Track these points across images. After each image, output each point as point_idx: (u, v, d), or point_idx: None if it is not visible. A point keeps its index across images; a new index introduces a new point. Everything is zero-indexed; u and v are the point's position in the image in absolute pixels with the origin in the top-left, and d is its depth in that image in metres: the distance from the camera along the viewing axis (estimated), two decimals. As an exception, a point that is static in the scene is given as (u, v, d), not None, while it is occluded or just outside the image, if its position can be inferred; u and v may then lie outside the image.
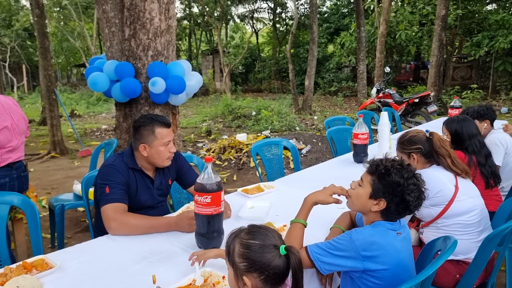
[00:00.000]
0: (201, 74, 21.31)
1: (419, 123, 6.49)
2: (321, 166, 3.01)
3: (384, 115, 3.09)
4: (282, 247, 1.02)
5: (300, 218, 1.43)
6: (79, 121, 11.68)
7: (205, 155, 6.23)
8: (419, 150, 1.89)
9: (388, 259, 1.23)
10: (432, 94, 6.89)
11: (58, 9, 17.29)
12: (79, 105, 14.92)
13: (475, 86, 11.64)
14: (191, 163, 2.81)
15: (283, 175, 3.09)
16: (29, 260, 1.40)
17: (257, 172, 5.05)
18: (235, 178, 5.14)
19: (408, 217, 2.05)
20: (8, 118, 2.25)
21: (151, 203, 1.94)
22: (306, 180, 2.49)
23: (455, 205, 1.77)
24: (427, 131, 1.94)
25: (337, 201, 1.48)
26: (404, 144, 1.94)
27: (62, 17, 18.22)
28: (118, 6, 3.40)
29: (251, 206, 1.98)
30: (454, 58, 15.38)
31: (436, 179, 1.80)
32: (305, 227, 1.43)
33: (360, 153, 2.86)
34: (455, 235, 1.78)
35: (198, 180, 1.46)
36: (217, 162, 5.85)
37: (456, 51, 15.83)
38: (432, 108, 6.55)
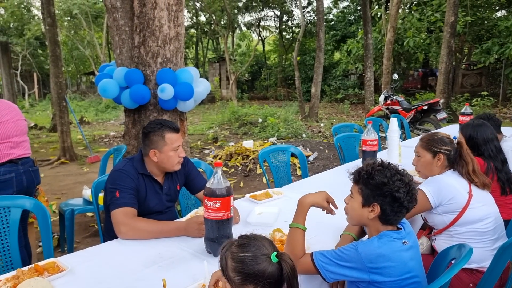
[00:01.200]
0: (208, 81, 21.37)
1: (428, 131, 6.43)
2: (329, 173, 3.00)
3: (394, 122, 3.08)
4: (273, 255, 1.00)
5: (299, 223, 1.41)
6: (88, 127, 11.81)
7: (211, 161, 6.24)
8: (448, 152, 1.86)
9: (395, 270, 1.22)
10: (441, 101, 6.84)
11: (68, 18, 17.62)
12: (88, 112, 15.11)
13: (485, 93, 11.53)
14: (199, 169, 2.82)
15: (291, 181, 3.08)
16: (41, 263, 1.41)
17: (264, 178, 5.05)
18: (241, 185, 5.14)
19: (418, 225, 2.03)
20: (7, 114, 2.34)
21: (159, 208, 1.95)
22: (315, 187, 2.46)
23: (468, 213, 1.74)
24: (454, 137, 1.92)
25: (330, 211, 1.49)
26: (435, 142, 1.89)
27: (72, 26, 18.55)
28: (128, 14, 3.46)
29: (259, 212, 1.98)
30: (464, 65, 15.29)
31: (449, 186, 1.77)
32: (304, 231, 1.42)
33: (369, 160, 2.84)
34: (469, 243, 1.74)
35: (208, 185, 1.47)
36: (224, 168, 5.86)
37: (466, 58, 15.74)
38: (442, 115, 6.49)
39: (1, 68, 7.17)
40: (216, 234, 1.48)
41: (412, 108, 6.83)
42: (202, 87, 3.61)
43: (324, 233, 1.71)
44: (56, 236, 3.39)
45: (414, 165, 2.00)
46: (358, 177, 1.36)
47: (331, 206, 1.50)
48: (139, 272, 1.39)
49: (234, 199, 1.57)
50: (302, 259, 1.33)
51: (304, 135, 8.21)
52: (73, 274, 1.37)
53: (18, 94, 19.17)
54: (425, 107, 6.64)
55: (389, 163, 1.35)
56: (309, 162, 5.96)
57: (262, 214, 1.97)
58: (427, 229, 1.95)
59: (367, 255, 1.22)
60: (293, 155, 6.14)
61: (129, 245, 1.61)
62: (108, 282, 1.33)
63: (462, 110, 3.92)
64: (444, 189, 1.76)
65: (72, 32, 19.04)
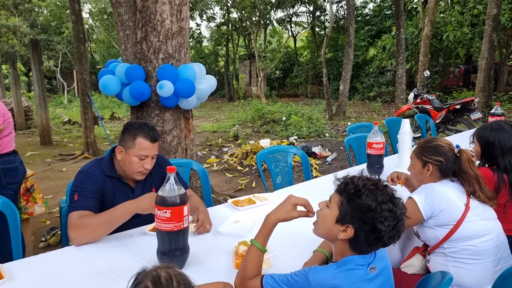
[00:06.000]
0: (238, 79, 21.08)
1: (461, 131, 5.93)
2: (331, 176, 2.76)
3: (406, 123, 2.80)
4: None
5: (259, 242, 1.23)
6: (118, 123, 12.14)
7: (228, 160, 6.14)
8: (439, 163, 1.63)
9: None
10: (476, 100, 6.28)
11: (105, 17, 18.24)
12: (120, 108, 15.56)
13: (531, 91, 10.57)
14: (191, 169, 2.70)
15: (292, 184, 2.88)
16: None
17: (278, 178, 4.85)
18: (253, 185, 4.98)
19: (414, 240, 1.77)
20: (8, 112, 2.61)
21: (133, 213, 1.84)
22: (308, 193, 2.25)
23: (464, 227, 1.49)
24: (457, 146, 1.67)
25: (306, 214, 1.28)
26: (426, 150, 1.67)
27: (110, 24, 19.19)
28: (132, 9, 3.40)
29: (235, 220, 1.82)
30: (511, 62, 14.11)
31: (443, 195, 1.54)
32: (264, 253, 1.23)
33: (374, 165, 2.58)
34: (466, 264, 1.51)
35: (159, 193, 1.33)
36: (239, 168, 5.73)
37: (512, 53, 14.50)
38: (476, 115, 5.94)
39: (31, 65, 7.48)
40: (168, 248, 1.34)
41: (444, 107, 6.32)
42: (206, 84, 3.48)
43: (295, 247, 1.52)
44: (59, 232, 3.42)
45: (409, 171, 1.76)
46: (343, 189, 1.15)
47: (306, 208, 1.29)
48: (79, 285, 1.28)
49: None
50: (251, 281, 1.17)
51: (327, 134, 7.90)
52: (12, 283, 1.29)
53: (57, 90, 20.18)
54: (458, 106, 6.12)
55: (386, 185, 1.13)
56: (327, 163, 5.70)
57: (238, 222, 1.81)
58: (423, 245, 1.69)
59: (317, 285, 1.03)
60: (310, 155, 5.91)
61: (84, 252, 1.51)
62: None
63: (492, 111, 3.52)
64: (437, 198, 1.53)
65: (111, 30, 19.71)
